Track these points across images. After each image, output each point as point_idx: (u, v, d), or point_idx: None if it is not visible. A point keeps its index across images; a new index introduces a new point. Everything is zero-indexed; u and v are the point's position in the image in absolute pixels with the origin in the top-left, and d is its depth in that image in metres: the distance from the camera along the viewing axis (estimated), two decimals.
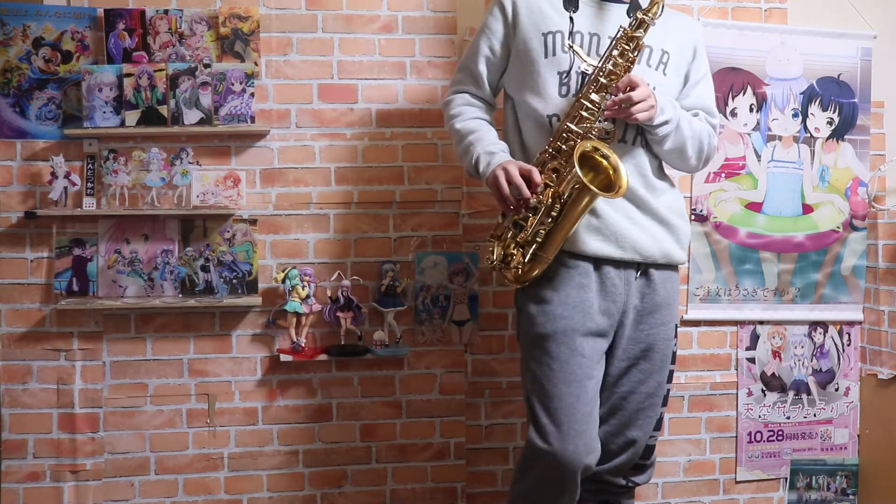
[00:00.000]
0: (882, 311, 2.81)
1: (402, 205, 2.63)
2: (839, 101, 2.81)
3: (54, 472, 2.52)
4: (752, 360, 2.82)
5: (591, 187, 1.87)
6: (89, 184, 2.48)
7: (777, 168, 2.78)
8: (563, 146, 1.95)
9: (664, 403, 2.16)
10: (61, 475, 2.52)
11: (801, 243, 2.81)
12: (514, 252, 1.98)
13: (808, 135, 2.80)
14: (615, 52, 1.93)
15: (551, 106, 2.01)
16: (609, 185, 1.92)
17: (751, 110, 2.76)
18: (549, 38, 2.02)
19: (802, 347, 2.85)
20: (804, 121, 2.80)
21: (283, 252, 2.59)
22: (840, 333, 2.87)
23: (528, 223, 1.95)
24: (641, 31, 1.93)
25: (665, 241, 2.06)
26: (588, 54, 2.00)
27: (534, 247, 1.96)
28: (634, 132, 2.03)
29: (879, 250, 2.83)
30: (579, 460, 1.96)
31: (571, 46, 1.98)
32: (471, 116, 2.12)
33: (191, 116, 2.48)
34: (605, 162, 1.94)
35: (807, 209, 2.81)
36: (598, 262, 2.01)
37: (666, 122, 1.99)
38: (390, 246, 2.63)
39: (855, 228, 2.84)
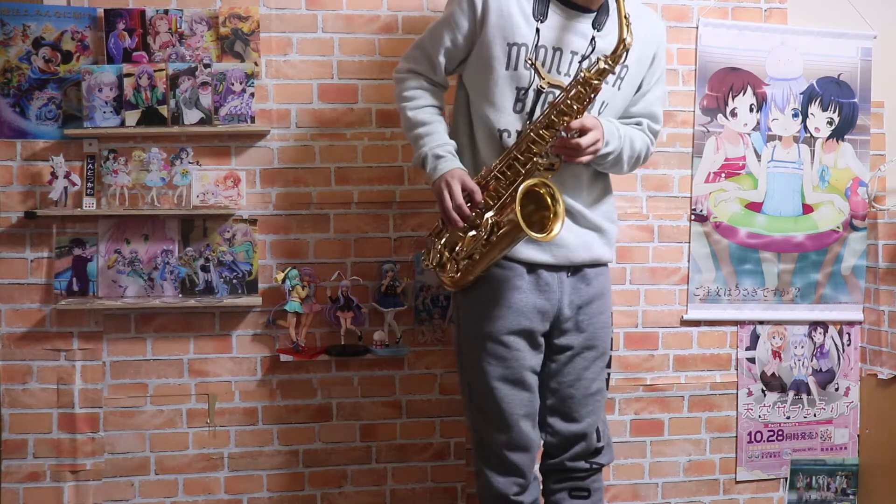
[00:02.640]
0: (882, 311, 2.81)
1: (402, 205, 2.63)
2: (839, 101, 2.81)
3: (54, 472, 2.52)
4: (752, 360, 2.82)
5: (525, 229, 1.90)
6: (89, 184, 2.48)
7: (777, 168, 2.79)
8: (508, 171, 1.98)
9: (607, 387, 2.25)
10: (61, 475, 2.52)
11: (801, 243, 2.81)
12: (449, 258, 2.06)
13: (808, 135, 2.80)
14: (571, 93, 1.93)
15: (503, 120, 2.02)
16: (542, 224, 1.96)
17: (751, 110, 2.76)
18: (514, 49, 2.01)
19: (802, 347, 2.85)
20: (804, 121, 2.80)
21: (283, 252, 2.59)
22: (840, 333, 2.87)
23: (465, 240, 2.02)
24: (601, 79, 1.92)
25: (595, 245, 2.13)
26: (549, 70, 2.01)
27: (465, 262, 2.03)
28: None
29: (879, 250, 2.84)
30: (531, 438, 2.12)
31: (533, 63, 1.98)
32: (424, 104, 2.11)
33: (191, 116, 2.48)
34: (549, 201, 1.97)
35: (807, 209, 2.81)
36: (533, 265, 2.08)
37: (609, 154, 2.04)
38: (390, 246, 2.63)
39: (855, 228, 2.84)
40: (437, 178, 2.01)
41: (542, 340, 2.13)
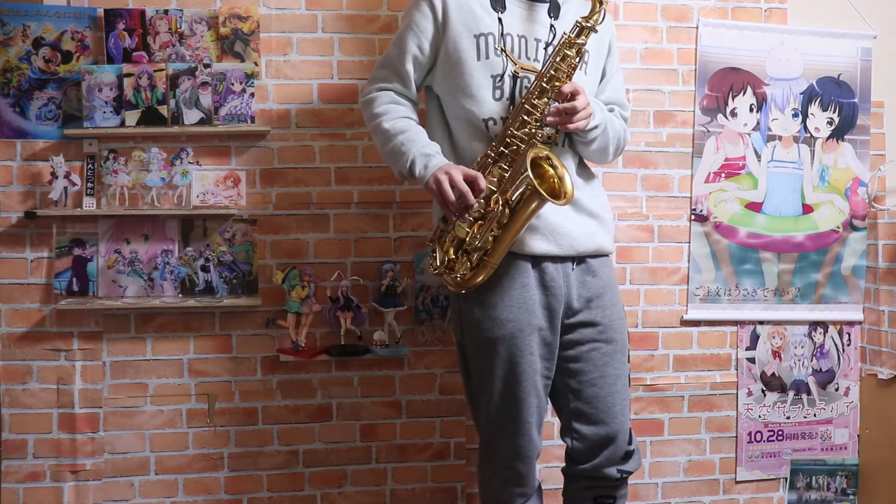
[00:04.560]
0: (882, 311, 2.81)
1: (402, 205, 2.63)
2: (839, 101, 2.81)
3: (54, 472, 2.52)
4: (752, 360, 2.82)
5: (543, 193, 1.87)
6: (89, 184, 2.48)
7: (777, 168, 2.79)
8: (506, 150, 1.97)
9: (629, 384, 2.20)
10: (61, 475, 2.52)
11: (801, 243, 2.81)
12: (457, 257, 1.99)
13: (808, 135, 2.80)
14: (558, 59, 1.96)
15: (486, 109, 2.02)
16: (554, 193, 1.93)
17: (751, 110, 2.76)
18: (482, 40, 2.03)
19: (802, 347, 2.85)
20: (804, 121, 2.80)
21: (283, 252, 2.59)
22: (840, 333, 2.87)
23: (475, 229, 1.96)
24: (584, 37, 1.97)
25: (597, 234, 2.11)
26: (519, 57, 2.03)
27: (480, 253, 1.96)
28: (564, 134, 2.08)
29: (879, 250, 2.84)
30: (538, 446, 2.10)
31: (504, 49, 2.01)
32: (399, 115, 2.08)
33: (191, 116, 2.48)
34: (551, 170, 1.96)
35: (807, 209, 2.81)
36: (537, 259, 2.04)
37: (596, 127, 2.05)
38: (390, 246, 2.63)
39: (855, 228, 2.84)
40: (433, 173, 1.95)
41: (553, 342, 2.07)
